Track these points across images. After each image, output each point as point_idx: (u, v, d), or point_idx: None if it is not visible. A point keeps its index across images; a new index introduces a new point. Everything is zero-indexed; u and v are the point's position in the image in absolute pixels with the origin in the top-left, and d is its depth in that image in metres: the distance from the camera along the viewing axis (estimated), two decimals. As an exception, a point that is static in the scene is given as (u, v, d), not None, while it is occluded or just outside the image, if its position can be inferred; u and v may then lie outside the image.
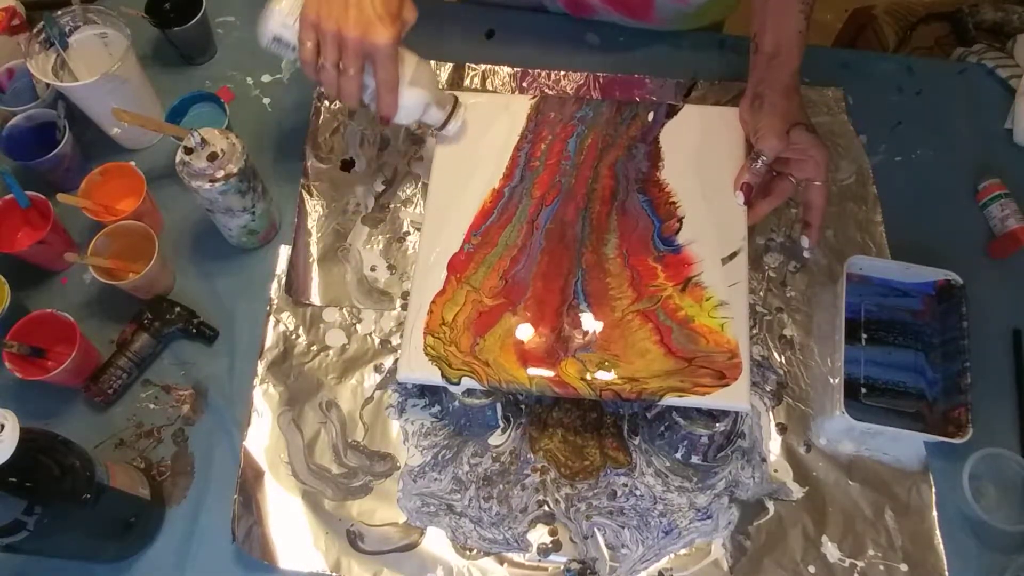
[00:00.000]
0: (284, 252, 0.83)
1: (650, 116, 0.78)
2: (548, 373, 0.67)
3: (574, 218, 0.73)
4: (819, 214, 0.72)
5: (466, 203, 0.75)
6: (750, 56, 0.76)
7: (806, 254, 0.76)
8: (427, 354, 0.68)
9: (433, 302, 0.70)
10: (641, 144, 0.77)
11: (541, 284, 0.70)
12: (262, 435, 0.74)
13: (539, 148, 0.77)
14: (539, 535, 0.71)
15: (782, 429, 0.75)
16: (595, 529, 0.71)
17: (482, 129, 0.78)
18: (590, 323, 0.69)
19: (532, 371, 0.67)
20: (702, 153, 0.76)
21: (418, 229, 0.84)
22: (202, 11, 0.89)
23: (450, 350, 0.68)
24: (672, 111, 0.79)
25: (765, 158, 0.70)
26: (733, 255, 0.71)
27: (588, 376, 0.67)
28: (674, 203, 0.74)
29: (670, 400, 0.66)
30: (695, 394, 0.66)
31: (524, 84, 0.93)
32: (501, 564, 0.70)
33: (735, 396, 0.66)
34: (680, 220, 0.73)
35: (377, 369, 0.77)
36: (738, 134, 0.76)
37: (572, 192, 0.75)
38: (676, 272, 0.71)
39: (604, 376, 0.67)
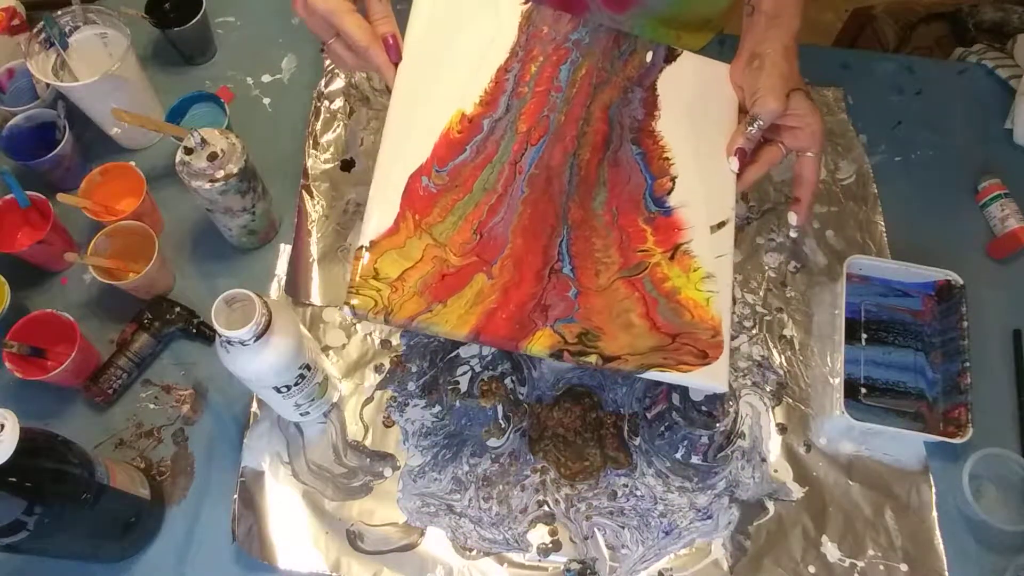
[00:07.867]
0: (284, 252, 0.83)
1: (649, 56, 0.69)
2: (505, 340, 0.59)
3: (561, 164, 0.64)
4: (810, 189, 0.67)
5: (433, 116, 0.62)
6: (743, 18, 0.71)
7: (793, 233, 0.71)
8: (350, 304, 0.56)
9: (377, 242, 0.57)
10: (638, 88, 0.68)
11: (521, 241, 0.61)
12: (262, 435, 0.74)
13: (528, 70, 0.65)
14: (539, 535, 0.71)
15: (782, 429, 0.75)
16: (595, 529, 0.71)
17: (462, 20, 0.64)
18: (574, 289, 0.61)
19: (484, 337, 0.58)
20: (698, 109, 0.69)
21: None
22: (202, 11, 0.89)
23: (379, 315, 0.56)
24: (671, 55, 0.70)
25: (761, 122, 0.66)
26: (721, 224, 0.66)
27: (562, 348, 0.60)
28: (668, 159, 0.67)
29: (652, 375, 0.62)
30: (677, 372, 0.62)
31: None
32: (501, 564, 0.70)
33: (714, 376, 0.62)
34: (673, 180, 0.66)
35: (377, 369, 0.77)
36: (734, 94, 0.70)
37: (561, 132, 0.65)
38: (666, 237, 0.65)
39: (583, 350, 0.60)
